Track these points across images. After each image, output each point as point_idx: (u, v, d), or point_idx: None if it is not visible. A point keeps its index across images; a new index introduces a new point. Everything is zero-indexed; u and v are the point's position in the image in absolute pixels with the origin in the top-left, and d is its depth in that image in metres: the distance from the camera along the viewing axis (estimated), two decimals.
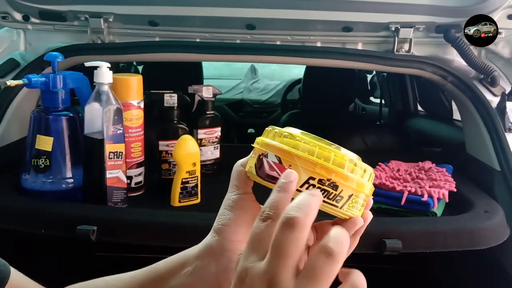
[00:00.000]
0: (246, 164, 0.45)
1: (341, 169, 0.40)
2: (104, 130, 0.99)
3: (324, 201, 0.40)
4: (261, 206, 0.38)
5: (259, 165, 0.43)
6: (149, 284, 0.49)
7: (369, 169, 0.43)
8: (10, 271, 0.52)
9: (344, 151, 0.42)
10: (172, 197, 1.07)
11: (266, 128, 0.45)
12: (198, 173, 1.08)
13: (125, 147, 1.04)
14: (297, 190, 0.40)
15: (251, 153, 0.45)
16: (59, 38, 1.31)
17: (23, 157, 1.06)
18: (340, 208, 0.41)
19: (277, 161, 0.42)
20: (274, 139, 0.43)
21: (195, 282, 0.45)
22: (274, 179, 0.41)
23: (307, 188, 0.40)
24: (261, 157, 0.43)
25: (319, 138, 0.43)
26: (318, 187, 0.40)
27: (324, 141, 0.42)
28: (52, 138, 1.03)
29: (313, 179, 0.40)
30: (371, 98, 2.78)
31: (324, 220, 0.46)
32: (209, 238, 0.46)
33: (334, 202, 0.41)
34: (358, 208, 0.43)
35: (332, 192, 0.40)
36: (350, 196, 0.41)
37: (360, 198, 0.42)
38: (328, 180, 0.40)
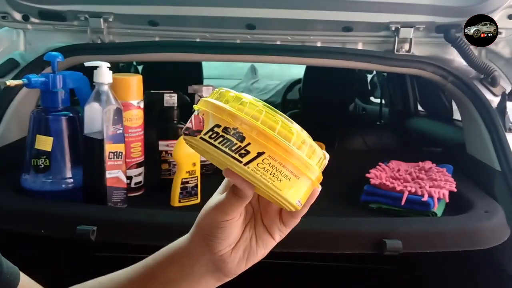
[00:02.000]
0: None
1: (251, 119, 0.36)
2: (104, 130, 0.98)
3: (225, 152, 0.36)
4: None
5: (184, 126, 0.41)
6: (147, 275, 0.51)
7: (320, 152, 0.39)
8: (20, 275, 0.52)
9: (296, 126, 0.38)
10: (172, 197, 1.07)
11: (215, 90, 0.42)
12: (198, 173, 1.08)
13: (125, 147, 1.03)
14: (201, 138, 0.37)
15: None
16: (59, 38, 1.31)
17: (23, 157, 1.06)
18: (245, 164, 0.36)
19: (196, 114, 0.39)
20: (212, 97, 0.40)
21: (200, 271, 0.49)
22: (187, 130, 0.39)
23: (209, 136, 0.36)
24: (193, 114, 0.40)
25: (277, 113, 0.39)
26: (221, 135, 0.36)
27: (281, 115, 0.38)
28: (51, 138, 1.03)
29: (219, 126, 0.36)
30: (371, 98, 2.78)
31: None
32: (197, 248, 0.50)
33: (237, 156, 0.36)
34: (288, 184, 0.37)
35: (236, 143, 0.36)
36: (260, 155, 0.36)
37: (285, 169, 0.37)
38: (234, 129, 0.36)
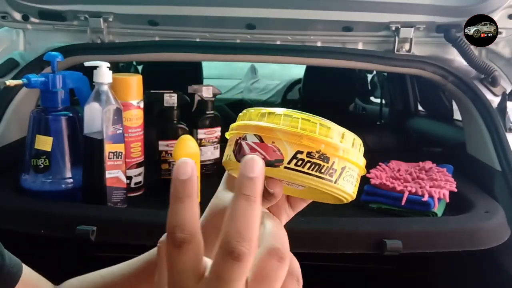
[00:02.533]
0: None
1: (329, 139, 0.37)
2: (104, 130, 0.98)
3: (316, 176, 0.37)
4: None
5: (237, 149, 0.38)
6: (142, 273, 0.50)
7: (358, 140, 0.39)
8: (23, 267, 0.53)
9: (329, 122, 0.38)
10: None
11: (240, 114, 0.41)
12: (198, 173, 1.07)
13: (125, 147, 1.03)
14: (285, 167, 0.37)
15: (227, 144, 0.41)
16: (58, 37, 1.31)
17: (23, 157, 1.06)
18: (335, 182, 0.37)
19: (258, 141, 0.37)
20: (251, 120, 0.39)
21: None
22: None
23: (295, 164, 0.36)
24: (238, 141, 0.38)
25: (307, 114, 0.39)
26: (308, 161, 0.36)
27: (309, 115, 0.39)
28: (51, 138, 1.03)
29: (301, 152, 0.36)
30: (372, 98, 2.78)
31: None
32: None
33: (327, 176, 0.37)
34: (353, 183, 0.39)
35: (323, 165, 0.37)
36: (343, 169, 0.38)
37: (354, 172, 0.39)
38: (317, 152, 0.37)
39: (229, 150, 0.40)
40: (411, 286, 1.54)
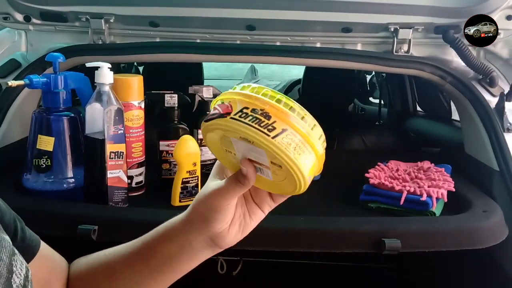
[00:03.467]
0: None
1: (277, 103, 0.43)
2: (105, 130, 0.99)
3: (255, 128, 0.42)
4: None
5: (207, 115, 0.46)
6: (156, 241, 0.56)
7: (319, 128, 0.45)
8: (41, 243, 0.59)
9: (296, 104, 0.44)
10: (173, 197, 1.07)
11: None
12: (198, 173, 1.08)
13: (126, 147, 1.04)
14: (231, 118, 0.43)
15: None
16: (60, 38, 1.31)
17: (25, 157, 1.07)
18: (273, 138, 0.42)
19: (221, 103, 0.46)
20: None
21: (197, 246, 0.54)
22: (213, 115, 0.45)
23: (239, 116, 0.43)
24: (213, 107, 0.46)
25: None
26: (250, 115, 0.43)
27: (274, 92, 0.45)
28: (53, 138, 1.04)
29: (247, 108, 0.43)
30: (371, 99, 2.79)
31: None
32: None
33: (265, 130, 0.42)
34: (292, 146, 0.43)
35: (264, 121, 0.43)
36: (284, 130, 0.43)
37: (297, 140, 0.43)
38: (261, 110, 0.43)
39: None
40: (409, 285, 1.54)
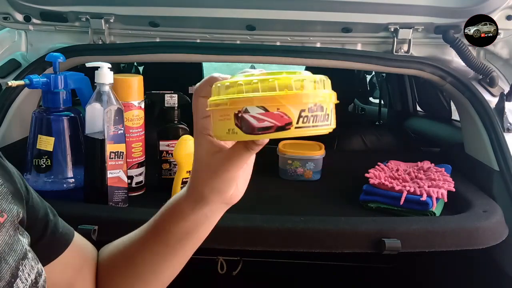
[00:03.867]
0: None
1: (319, 90, 0.41)
2: (105, 130, 0.99)
3: (319, 126, 0.41)
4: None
5: (243, 123, 0.41)
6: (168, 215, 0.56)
7: (322, 76, 0.43)
8: (75, 233, 0.61)
9: (304, 73, 0.42)
10: None
11: (212, 88, 0.44)
12: None
13: (126, 147, 1.04)
14: (296, 127, 0.40)
15: (212, 118, 0.44)
16: (60, 38, 1.31)
17: (25, 157, 1.07)
18: (330, 124, 0.42)
19: (263, 111, 0.40)
20: (220, 94, 0.42)
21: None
22: (268, 129, 0.40)
23: (303, 122, 0.40)
24: (240, 114, 0.41)
25: (258, 74, 0.43)
26: (311, 116, 0.40)
27: (268, 73, 0.42)
28: (53, 138, 1.04)
29: (304, 110, 0.40)
30: (371, 99, 2.79)
31: None
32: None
33: (326, 122, 0.41)
34: (334, 116, 0.43)
35: (321, 114, 0.41)
36: (332, 110, 0.42)
37: (333, 107, 0.43)
38: (315, 105, 0.40)
39: (226, 125, 0.42)
40: (409, 285, 1.54)
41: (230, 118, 0.41)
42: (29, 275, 0.46)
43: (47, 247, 0.55)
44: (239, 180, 0.51)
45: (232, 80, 0.43)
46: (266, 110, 0.40)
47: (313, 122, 0.40)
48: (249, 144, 0.45)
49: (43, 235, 0.55)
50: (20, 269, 0.45)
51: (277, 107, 0.40)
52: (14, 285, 0.44)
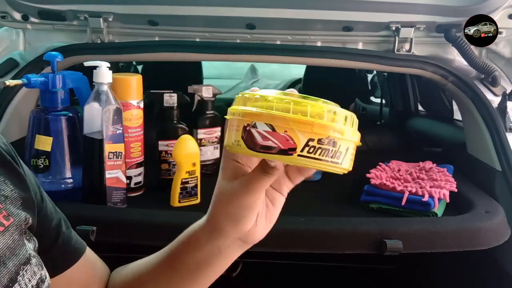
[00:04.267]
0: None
1: (337, 124, 0.39)
2: (104, 130, 0.98)
3: (326, 161, 0.39)
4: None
5: (248, 137, 0.40)
6: (178, 245, 0.55)
7: (352, 115, 0.42)
8: (86, 248, 0.61)
9: (333, 105, 0.41)
10: (172, 197, 1.06)
11: (236, 96, 0.43)
12: (198, 173, 1.07)
13: (125, 147, 1.03)
14: (299, 155, 0.39)
15: (227, 126, 0.43)
16: (58, 37, 1.31)
17: (22, 157, 1.06)
18: (341, 164, 0.40)
19: (269, 130, 0.39)
20: (247, 105, 0.41)
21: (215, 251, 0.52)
22: (270, 149, 0.39)
23: (308, 151, 0.39)
24: (248, 128, 0.40)
25: (291, 94, 0.41)
26: (319, 147, 0.39)
27: (296, 95, 0.41)
28: (51, 138, 1.03)
29: (312, 140, 0.39)
30: (372, 98, 2.78)
31: None
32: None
33: (335, 160, 0.40)
34: (351, 158, 0.41)
35: (332, 150, 0.39)
36: (347, 150, 0.40)
37: (353, 149, 0.41)
38: (327, 138, 0.39)
39: (235, 135, 0.41)
40: (411, 286, 1.54)
41: (239, 130, 0.40)
42: (29, 280, 0.46)
43: (54, 260, 0.55)
44: (260, 218, 0.49)
45: (263, 93, 0.41)
46: (273, 129, 0.39)
47: (320, 155, 0.39)
48: (265, 166, 0.44)
49: (52, 247, 0.55)
50: (20, 274, 0.45)
51: (285, 129, 0.39)
52: None
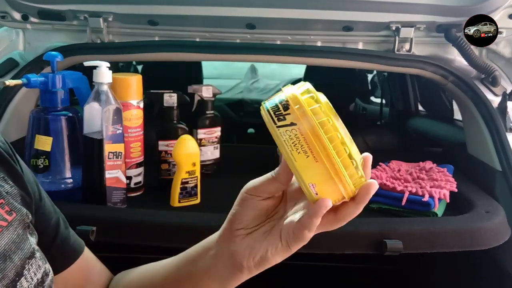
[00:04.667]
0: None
1: (299, 97, 0.44)
2: (104, 130, 0.98)
3: (269, 115, 0.44)
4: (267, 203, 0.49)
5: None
6: (183, 266, 0.55)
7: (355, 156, 0.46)
8: (85, 248, 0.62)
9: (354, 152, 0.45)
10: (172, 198, 1.06)
11: (301, 85, 0.48)
12: (198, 173, 1.07)
13: (125, 147, 1.03)
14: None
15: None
16: (58, 37, 1.30)
17: (22, 157, 1.06)
18: (277, 127, 0.44)
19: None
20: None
21: (218, 262, 0.52)
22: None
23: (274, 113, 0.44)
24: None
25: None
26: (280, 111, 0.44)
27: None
28: (51, 138, 1.03)
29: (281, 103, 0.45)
30: (372, 98, 2.78)
31: None
32: (222, 226, 0.52)
33: (274, 118, 0.44)
34: (300, 153, 0.44)
35: (280, 109, 0.44)
36: (292, 124, 0.44)
37: (308, 147, 0.44)
38: (286, 100, 0.45)
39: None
40: (411, 286, 1.54)
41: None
42: (35, 274, 0.46)
43: (52, 259, 0.55)
44: (252, 256, 0.50)
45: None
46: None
47: (271, 111, 0.44)
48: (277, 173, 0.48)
49: (50, 246, 0.55)
50: (26, 268, 0.45)
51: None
52: (18, 283, 0.44)
